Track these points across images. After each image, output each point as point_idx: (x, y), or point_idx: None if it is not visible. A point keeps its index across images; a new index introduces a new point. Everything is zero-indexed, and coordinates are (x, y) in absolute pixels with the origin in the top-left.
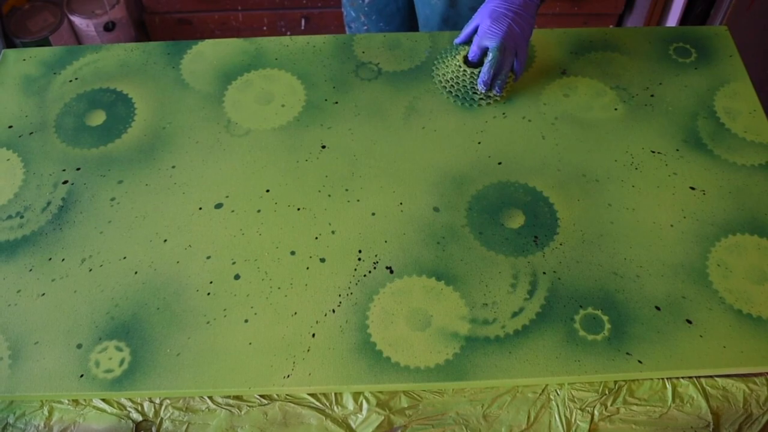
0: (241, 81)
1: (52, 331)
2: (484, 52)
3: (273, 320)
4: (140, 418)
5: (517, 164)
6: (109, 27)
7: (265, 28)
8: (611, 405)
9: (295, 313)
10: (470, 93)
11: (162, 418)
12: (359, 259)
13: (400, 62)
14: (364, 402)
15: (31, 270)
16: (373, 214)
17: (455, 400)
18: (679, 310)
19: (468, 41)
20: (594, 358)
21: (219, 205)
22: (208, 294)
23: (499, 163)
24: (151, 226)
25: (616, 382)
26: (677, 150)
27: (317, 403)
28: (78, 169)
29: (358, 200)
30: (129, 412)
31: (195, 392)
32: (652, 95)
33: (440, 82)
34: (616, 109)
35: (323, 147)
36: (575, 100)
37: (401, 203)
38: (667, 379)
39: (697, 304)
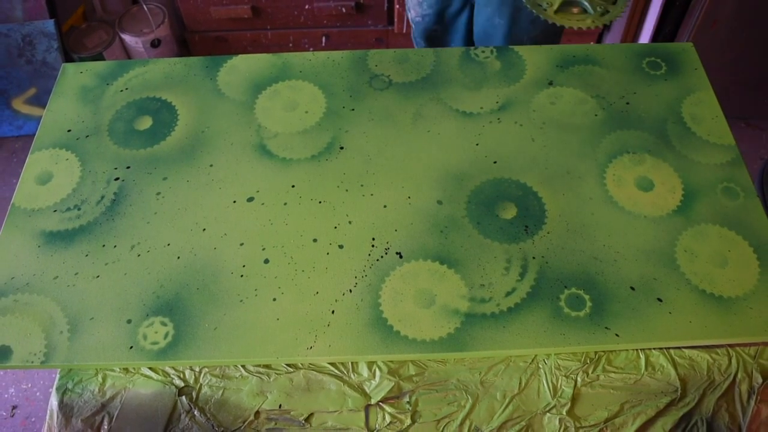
0: (270, 91)
1: (106, 309)
2: None
3: (297, 299)
4: (182, 384)
5: (510, 163)
6: (155, 44)
7: (290, 44)
8: (592, 372)
9: (317, 293)
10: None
11: (201, 384)
12: (373, 246)
13: (409, 74)
14: (377, 370)
15: (87, 255)
16: (385, 206)
17: (456, 369)
18: (651, 290)
19: None
20: (577, 331)
21: (251, 199)
22: (241, 276)
23: (495, 162)
24: (191, 217)
25: (596, 352)
26: (649, 151)
27: (336, 371)
28: (128, 167)
29: (371, 194)
30: (172, 378)
31: (230, 361)
32: (627, 103)
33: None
34: (596, 115)
35: (341, 148)
36: (561, 107)
37: (409, 197)
38: (640, 350)
39: (667, 285)
